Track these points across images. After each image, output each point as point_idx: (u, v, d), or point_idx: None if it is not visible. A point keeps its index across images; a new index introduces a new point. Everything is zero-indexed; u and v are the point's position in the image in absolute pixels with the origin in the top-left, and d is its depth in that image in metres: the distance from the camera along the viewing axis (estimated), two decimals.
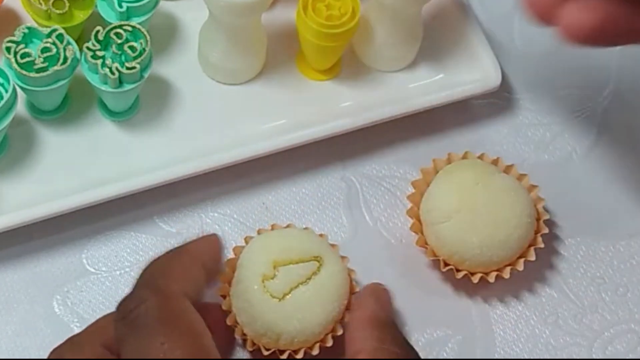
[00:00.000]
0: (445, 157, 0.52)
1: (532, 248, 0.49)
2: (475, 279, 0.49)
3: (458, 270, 0.49)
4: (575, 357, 0.50)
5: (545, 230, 0.50)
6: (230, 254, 0.48)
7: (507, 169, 0.52)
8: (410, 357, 0.45)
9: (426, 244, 0.50)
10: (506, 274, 0.49)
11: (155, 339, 0.38)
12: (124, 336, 0.39)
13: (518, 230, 0.49)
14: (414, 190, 0.51)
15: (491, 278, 0.49)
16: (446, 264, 0.49)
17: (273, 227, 0.49)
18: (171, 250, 0.44)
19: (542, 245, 0.50)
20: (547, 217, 0.50)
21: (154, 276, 0.41)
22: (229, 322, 0.46)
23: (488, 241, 0.48)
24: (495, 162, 0.52)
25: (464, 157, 0.52)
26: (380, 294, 0.49)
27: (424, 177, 0.51)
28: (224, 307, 0.47)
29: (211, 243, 0.47)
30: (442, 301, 0.51)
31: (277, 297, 0.45)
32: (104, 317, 0.42)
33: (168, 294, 0.40)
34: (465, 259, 0.48)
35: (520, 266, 0.49)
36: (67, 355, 0.40)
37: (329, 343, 0.46)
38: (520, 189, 0.50)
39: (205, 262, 0.45)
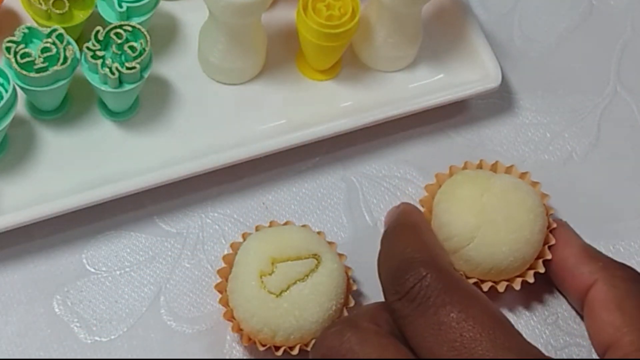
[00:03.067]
0: (447, 170, 0.51)
1: (546, 247, 0.49)
2: (485, 287, 0.48)
3: (482, 282, 0.49)
4: (575, 357, 0.50)
5: (554, 225, 0.49)
6: (227, 251, 0.49)
7: (507, 170, 0.51)
8: (635, 271, 0.46)
9: None
10: (523, 281, 0.49)
11: (445, 309, 0.39)
12: (408, 314, 0.40)
13: (539, 222, 0.48)
14: (426, 194, 0.51)
15: (501, 288, 0.49)
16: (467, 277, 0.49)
17: (271, 224, 0.49)
18: (396, 230, 0.45)
19: (554, 242, 0.49)
20: (552, 212, 0.50)
21: (415, 255, 0.42)
22: (225, 317, 0.47)
23: (517, 244, 0.48)
24: (494, 167, 0.51)
25: (465, 167, 0.51)
26: (567, 226, 0.49)
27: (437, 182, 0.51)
28: (220, 303, 0.47)
29: (413, 209, 0.48)
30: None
31: (275, 293, 0.46)
32: (365, 307, 0.43)
33: (438, 267, 0.41)
34: (501, 270, 0.48)
35: (540, 268, 0.49)
36: (346, 333, 0.40)
37: None
38: (522, 184, 0.49)
39: (430, 227, 0.47)
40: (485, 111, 0.57)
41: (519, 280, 0.49)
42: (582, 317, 0.49)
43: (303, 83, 0.54)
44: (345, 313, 0.47)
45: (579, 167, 0.55)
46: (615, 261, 0.47)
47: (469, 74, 0.55)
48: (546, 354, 0.50)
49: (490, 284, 0.49)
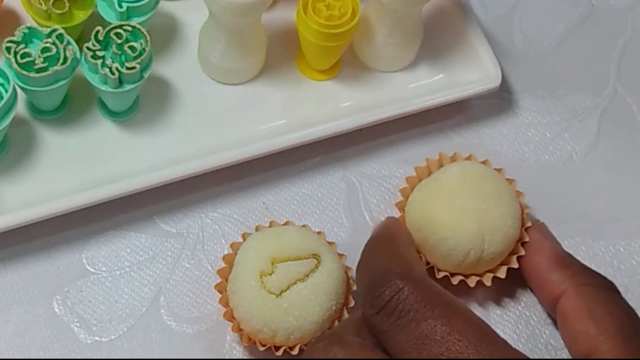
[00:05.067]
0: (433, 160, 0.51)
1: (519, 243, 0.49)
2: (472, 282, 0.49)
3: (453, 275, 0.49)
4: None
5: (529, 224, 0.49)
6: (227, 251, 0.49)
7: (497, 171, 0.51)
8: (608, 281, 0.45)
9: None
10: (502, 273, 0.49)
11: (427, 322, 0.38)
12: (387, 329, 0.39)
13: (515, 205, 0.48)
14: (406, 185, 0.51)
15: (487, 281, 0.49)
16: (439, 270, 0.49)
17: (271, 224, 0.49)
18: (375, 242, 0.45)
19: (527, 239, 0.49)
20: (528, 210, 0.50)
21: (391, 267, 0.41)
22: (225, 317, 0.47)
23: (509, 229, 0.48)
24: (453, 158, 0.51)
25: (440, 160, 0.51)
26: (544, 230, 0.49)
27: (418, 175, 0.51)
28: (220, 303, 0.47)
29: (394, 222, 0.48)
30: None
31: (275, 293, 0.45)
32: (349, 319, 0.42)
33: (415, 278, 0.40)
34: (474, 262, 0.48)
35: (514, 263, 0.49)
36: (333, 348, 0.40)
37: None
38: (485, 169, 0.50)
39: (410, 241, 0.46)
40: (485, 111, 0.57)
41: (490, 275, 0.49)
42: (555, 324, 0.49)
43: (303, 83, 0.54)
44: (345, 313, 0.47)
45: (579, 167, 0.55)
46: (587, 269, 0.46)
47: (469, 74, 0.55)
48: (546, 354, 0.50)
49: (460, 277, 0.49)
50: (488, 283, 0.49)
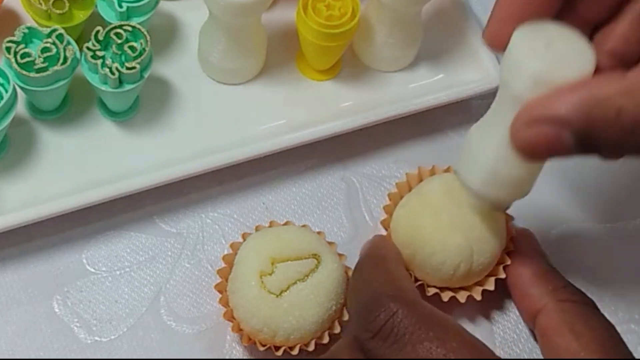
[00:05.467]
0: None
1: (504, 253, 0.49)
2: (462, 298, 0.48)
3: (443, 291, 0.48)
4: None
5: (513, 232, 0.49)
6: (227, 251, 0.49)
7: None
8: (587, 298, 0.45)
9: None
10: (490, 285, 0.48)
11: (422, 345, 0.38)
12: (384, 352, 0.39)
13: (500, 213, 0.48)
14: (389, 202, 0.50)
15: (477, 295, 0.48)
16: (429, 287, 0.49)
17: (271, 224, 0.49)
18: (364, 264, 0.44)
19: (512, 248, 0.49)
20: (512, 219, 0.50)
21: (383, 290, 0.41)
22: (225, 317, 0.47)
23: (495, 239, 0.48)
24: (432, 171, 0.51)
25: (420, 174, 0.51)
26: (531, 241, 0.49)
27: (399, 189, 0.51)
28: (220, 303, 0.47)
29: (382, 240, 0.47)
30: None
31: (275, 293, 0.45)
32: (342, 342, 0.42)
33: (408, 301, 0.40)
34: (463, 275, 0.48)
35: (501, 274, 0.48)
36: None
37: (325, 340, 0.46)
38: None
39: (400, 259, 0.46)
40: (485, 111, 0.56)
41: (480, 289, 0.49)
42: (534, 337, 0.49)
43: (303, 83, 0.54)
44: (345, 313, 0.47)
45: (578, 167, 0.55)
46: (568, 284, 0.46)
47: (469, 74, 0.55)
48: None
49: (450, 294, 0.48)
50: (478, 297, 0.48)
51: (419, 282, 0.48)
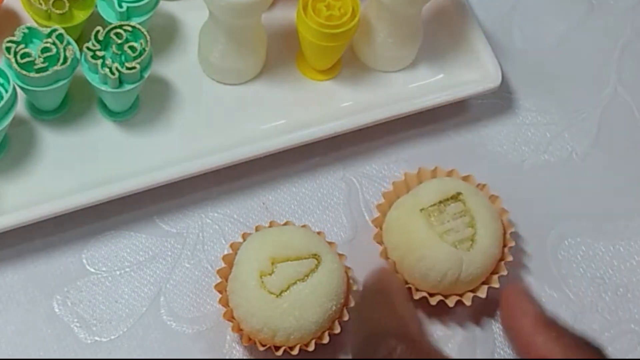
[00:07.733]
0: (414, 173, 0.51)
1: (501, 262, 0.49)
2: (451, 302, 0.48)
3: (431, 296, 0.48)
4: None
5: (512, 243, 0.49)
6: (227, 251, 0.49)
7: (480, 187, 0.51)
8: (594, 342, 0.45)
9: (387, 257, 0.49)
10: (482, 292, 0.48)
11: None
12: None
13: (495, 224, 0.48)
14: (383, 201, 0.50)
15: (467, 301, 0.48)
16: (417, 290, 0.49)
17: (271, 224, 0.49)
18: (368, 297, 0.44)
19: (510, 259, 0.49)
20: (512, 229, 0.50)
21: (385, 326, 0.41)
22: (225, 317, 0.47)
23: (488, 249, 0.48)
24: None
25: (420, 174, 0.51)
26: (525, 291, 0.49)
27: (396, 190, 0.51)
28: (220, 303, 0.47)
29: (387, 273, 0.46)
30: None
31: (275, 293, 0.46)
32: None
33: (409, 337, 0.40)
34: (453, 283, 0.48)
35: (495, 283, 0.48)
36: None
37: (325, 340, 0.46)
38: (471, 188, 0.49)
39: (405, 293, 0.45)
40: (485, 111, 0.57)
41: (470, 295, 0.48)
42: None
43: (303, 83, 0.54)
44: (345, 313, 0.47)
45: (579, 167, 0.55)
46: (570, 330, 0.47)
47: (469, 74, 0.55)
48: None
49: (439, 298, 0.48)
50: (468, 303, 0.48)
51: (407, 285, 0.48)
